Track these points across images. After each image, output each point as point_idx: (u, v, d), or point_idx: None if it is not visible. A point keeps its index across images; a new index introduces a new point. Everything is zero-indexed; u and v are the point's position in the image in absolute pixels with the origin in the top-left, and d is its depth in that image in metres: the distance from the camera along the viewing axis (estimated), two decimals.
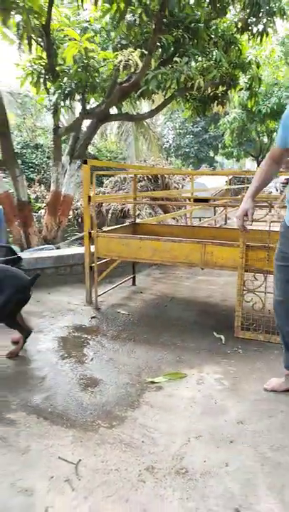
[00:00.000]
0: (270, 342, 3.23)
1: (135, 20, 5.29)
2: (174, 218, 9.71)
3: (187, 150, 28.29)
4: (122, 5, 5.01)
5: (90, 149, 15.04)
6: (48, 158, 12.85)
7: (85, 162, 3.93)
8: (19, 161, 11.98)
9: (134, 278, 5.07)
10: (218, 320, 3.85)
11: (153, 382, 2.66)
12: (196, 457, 1.94)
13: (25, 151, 12.89)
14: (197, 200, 8.18)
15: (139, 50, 5.13)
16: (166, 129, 29.38)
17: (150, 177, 10.39)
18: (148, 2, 4.96)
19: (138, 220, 5.11)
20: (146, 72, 5.70)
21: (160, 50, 6.30)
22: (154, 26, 5.09)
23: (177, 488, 1.74)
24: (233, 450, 1.98)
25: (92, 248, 4.10)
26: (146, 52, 5.21)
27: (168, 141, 29.83)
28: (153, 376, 2.75)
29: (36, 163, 12.84)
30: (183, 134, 28.59)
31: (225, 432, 2.13)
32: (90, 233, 4.10)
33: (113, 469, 1.86)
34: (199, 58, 6.56)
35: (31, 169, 12.58)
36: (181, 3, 5.38)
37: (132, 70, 5.02)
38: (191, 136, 28.18)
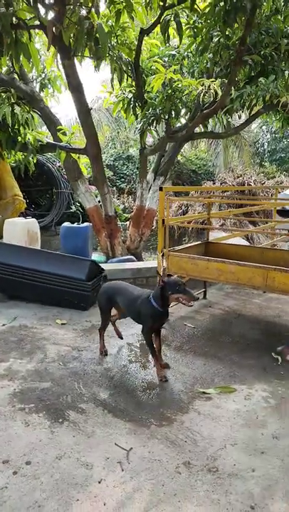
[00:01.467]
0: None
1: (218, 50, 5.60)
2: (263, 230, 9.72)
3: (283, 155, 27.27)
4: (205, 40, 5.37)
5: (179, 157, 15.51)
6: (138, 168, 13.65)
7: (161, 189, 4.40)
8: (111, 172, 13.02)
9: (205, 292, 5.41)
10: (280, 341, 4.01)
11: (204, 393, 3.02)
12: (227, 460, 2.27)
13: (117, 162, 13.87)
14: (283, 212, 8.14)
15: (219, 79, 5.45)
16: (261, 133, 28.61)
17: (235, 184, 10.53)
18: (230, 35, 5.24)
19: (211, 239, 5.43)
20: (231, 91, 5.96)
21: (248, 68, 6.48)
22: (234, 59, 5.35)
23: (206, 482, 2.10)
24: (262, 460, 2.26)
25: (165, 263, 4.54)
26: (226, 81, 5.50)
27: (262, 146, 29.02)
28: (205, 387, 3.10)
29: (127, 173, 13.74)
30: (279, 138, 27.60)
31: (259, 444, 2.41)
32: (162, 252, 4.55)
33: (157, 459, 2.28)
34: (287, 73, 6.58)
35: (122, 179, 13.51)
36: (260, 37, 5.53)
37: (212, 98, 5.35)
38: None
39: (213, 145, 17.64)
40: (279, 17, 5.81)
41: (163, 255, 4.53)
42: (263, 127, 29.99)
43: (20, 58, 4.44)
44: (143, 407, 2.83)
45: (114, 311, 3.89)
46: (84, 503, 1.98)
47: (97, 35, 4.37)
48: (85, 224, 6.59)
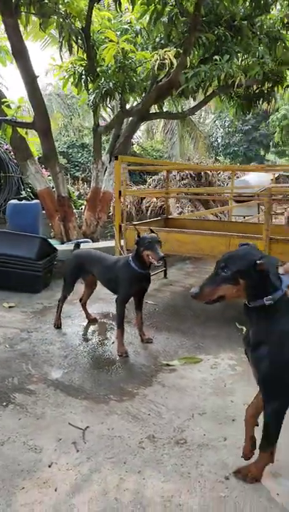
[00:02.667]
0: None
1: (172, 19, 5.38)
2: (215, 215, 9.67)
3: (236, 149, 27.86)
4: (159, 6, 5.12)
5: (136, 148, 15.27)
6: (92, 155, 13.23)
7: (116, 158, 4.10)
8: (65, 160, 12.51)
9: (165, 271, 5.18)
10: (241, 312, 3.85)
11: (168, 365, 2.77)
12: (196, 431, 2.03)
13: (71, 150, 13.36)
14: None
15: (174, 49, 5.21)
16: (215, 128, 29.04)
17: (193, 175, 10.43)
18: (184, 2, 5.02)
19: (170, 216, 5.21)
20: (186, 70, 5.77)
21: (203, 48, 6.33)
22: (189, 26, 5.15)
23: (174, 456, 1.84)
24: (234, 427, 2.04)
25: (123, 241, 4.26)
26: (181, 51, 5.28)
27: (216, 140, 29.47)
28: (169, 360, 2.85)
29: (81, 161, 13.26)
30: (232, 133, 28.15)
31: (229, 411, 2.19)
32: (120, 226, 4.26)
33: (117, 436, 2.00)
34: (242, 56, 6.50)
35: (76, 167, 13.02)
36: (214, 3, 5.37)
37: (167, 68, 5.11)
38: (241, 134, 27.69)
39: (169, 134, 17.52)
40: None
41: (120, 229, 4.25)
42: (217, 122, 30.49)
43: None
44: (101, 383, 2.53)
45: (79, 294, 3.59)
46: (30, 491, 1.66)
47: None
48: (35, 201, 6.14)
